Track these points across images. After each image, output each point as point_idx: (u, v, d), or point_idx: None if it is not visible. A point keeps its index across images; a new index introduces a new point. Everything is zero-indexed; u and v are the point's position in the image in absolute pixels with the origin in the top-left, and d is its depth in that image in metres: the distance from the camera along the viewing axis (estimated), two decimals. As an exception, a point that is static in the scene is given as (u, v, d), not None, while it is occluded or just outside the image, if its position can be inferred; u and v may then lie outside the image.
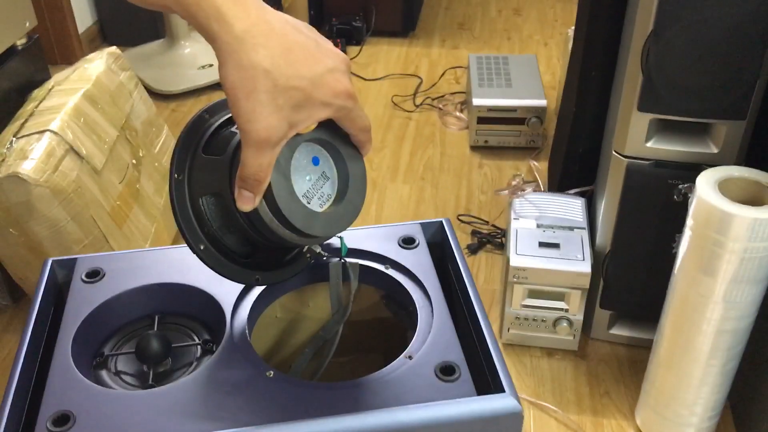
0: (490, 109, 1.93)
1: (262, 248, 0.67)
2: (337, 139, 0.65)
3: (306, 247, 0.72)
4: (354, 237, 0.79)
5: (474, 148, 2.01)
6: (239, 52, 0.54)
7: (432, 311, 0.71)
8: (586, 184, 1.48)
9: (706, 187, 1.00)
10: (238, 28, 0.54)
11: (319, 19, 2.69)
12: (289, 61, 0.55)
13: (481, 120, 1.95)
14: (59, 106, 1.38)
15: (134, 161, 1.53)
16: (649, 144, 1.18)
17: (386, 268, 0.77)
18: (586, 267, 1.29)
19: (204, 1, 0.54)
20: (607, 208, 1.28)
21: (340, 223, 0.65)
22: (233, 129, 0.64)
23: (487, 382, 0.65)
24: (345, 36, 2.60)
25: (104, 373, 0.68)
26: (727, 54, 1.05)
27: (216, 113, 0.66)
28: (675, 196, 1.15)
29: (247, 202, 0.59)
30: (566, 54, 1.82)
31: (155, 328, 0.73)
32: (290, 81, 0.55)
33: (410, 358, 0.66)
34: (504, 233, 1.67)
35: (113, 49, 1.60)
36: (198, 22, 0.55)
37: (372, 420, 0.59)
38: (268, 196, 0.60)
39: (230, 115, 0.65)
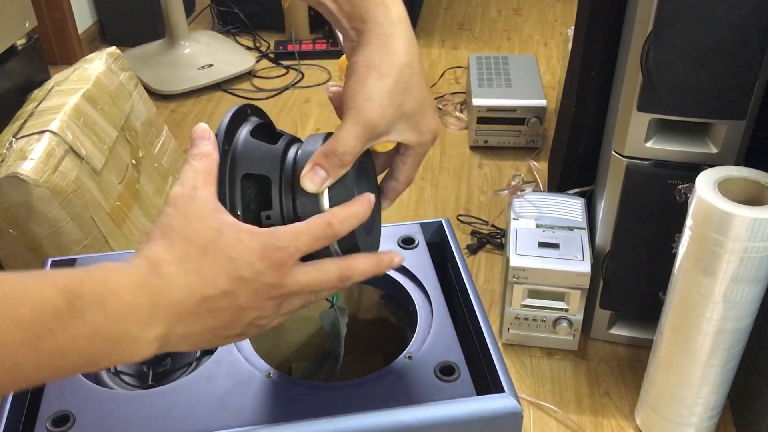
0: (490, 109, 1.93)
1: None
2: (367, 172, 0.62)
3: None
4: (354, 237, 0.79)
5: (474, 148, 2.01)
6: (389, 35, 0.56)
7: (432, 311, 0.71)
8: (585, 184, 1.48)
9: (705, 187, 1.00)
10: (394, 13, 0.56)
11: (318, 20, 2.70)
12: (419, 69, 0.58)
13: (481, 120, 1.95)
14: (59, 107, 1.38)
15: (134, 161, 1.53)
16: (648, 144, 1.18)
17: (386, 268, 0.77)
18: (585, 267, 1.29)
19: None
20: (606, 208, 1.28)
21: (373, 245, 0.63)
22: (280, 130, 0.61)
23: (486, 382, 0.65)
24: (345, 36, 2.60)
25: (104, 373, 0.68)
26: (727, 54, 1.05)
27: (255, 115, 0.63)
28: (674, 196, 1.15)
29: (316, 181, 0.55)
30: (566, 54, 1.82)
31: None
32: (414, 87, 0.57)
33: (410, 358, 0.66)
34: (504, 233, 1.67)
35: (113, 49, 1.60)
36: (353, 6, 0.56)
37: (372, 420, 0.59)
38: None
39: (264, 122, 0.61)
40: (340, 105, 0.59)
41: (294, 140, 0.60)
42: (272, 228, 0.52)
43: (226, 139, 0.57)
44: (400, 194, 0.63)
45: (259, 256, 0.51)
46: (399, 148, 0.61)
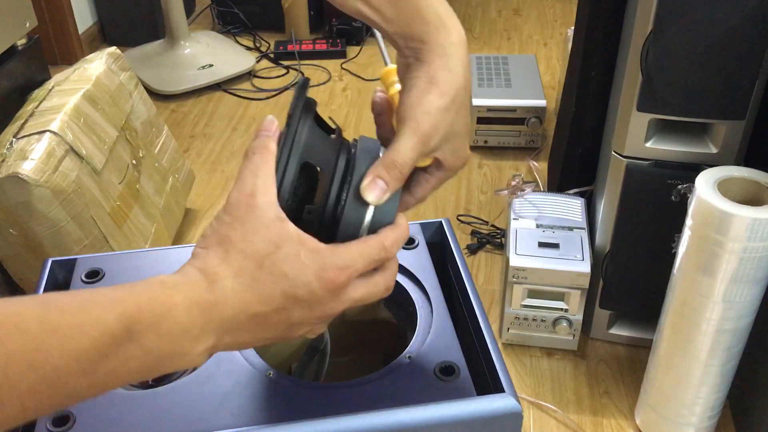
0: (490, 109, 1.93)
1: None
2: None
3: None
4: (354, 237, 0.79)
5: (473, 148, 2.01)
6: (450, 56, 0.57)
7: (432, 311, 0.71)
8: (585, 184, 1.48)
9: (705, 187, 1.00)
10: (455, 37, 0.57)
11: (318, 20, 2.70)
12: (470, 94, 0.59)
13: (481, 120, 1.95)
14: (59, 107, 1.38)
15: (134, 161, 1.53)
16: (648, 144, 1.18)
17: (386, 268, 0.77)
18: (585, 267, 1.29)
19: (427, 9, 0.56)
20: (606, 208, 1.28)
21: None
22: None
23: (486, 382, 0.65)
24: (345, 36, 2.61)
25: (104, 373, 0.68)
26: (727, 54, 1.05)
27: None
28: (674, 196, 1.15)
29: (377, 193, 0.55)
30: (566, 54, 1.82)
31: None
32: (464, 109, 0.58)
33: (410, 358, 0.66)
34: (503, 233, 1.67)
35: (113, 49, 1.60)
36: (412, 29, 0.57)
37: (372, 420, 0.59)
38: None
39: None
40: (381, 113, 0.61)
41: (342, 138, 0.60)
42: (332, 247, 0.52)
43: (295, 119, 0.55)
44: (408, 209, 0.63)
45: (317, 276, 0.51)
46: (427, 167, 0.61)
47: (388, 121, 0.62)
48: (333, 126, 0.61)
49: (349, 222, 0.55)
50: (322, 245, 0.52)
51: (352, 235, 0.55)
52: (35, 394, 0.42)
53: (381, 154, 0.57)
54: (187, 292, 0.49)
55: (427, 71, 0.56)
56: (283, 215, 0.52)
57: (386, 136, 0.62)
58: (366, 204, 0.55)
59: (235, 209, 0.51)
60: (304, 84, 0.58)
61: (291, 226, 0.51)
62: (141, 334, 0.46)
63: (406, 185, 0.61)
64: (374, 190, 0.55)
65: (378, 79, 2.40)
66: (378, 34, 0.66)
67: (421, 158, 0.57)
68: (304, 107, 0.56)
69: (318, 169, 0.56)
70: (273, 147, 0.54)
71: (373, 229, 0.56)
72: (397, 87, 0.62)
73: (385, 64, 0.67)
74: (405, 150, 0.55)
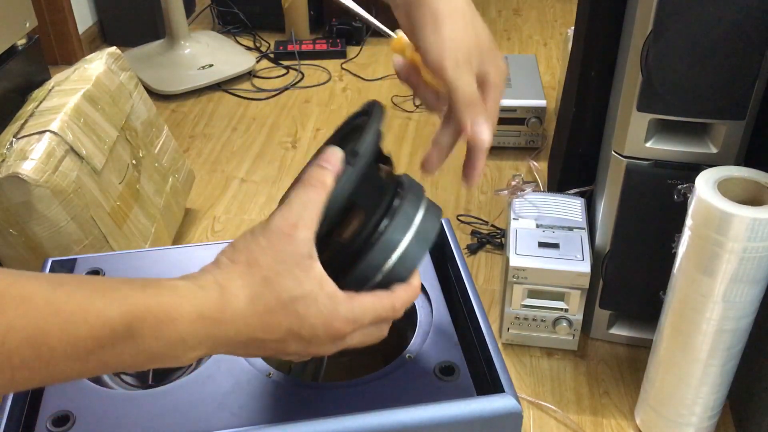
0: (490, 109, 1.93)
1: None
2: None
3: None
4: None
5: (474, 148, 2.01)
6: (455, 17, 0.59)
7: (431, 311, 0.71)
8: (585, 184, 1.48)
9: (705, 187, 1.00)
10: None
11: (318, 20, 2.70)
12: (476, 10, 0.62)
13: (481, 120, 1.95)
14: (59, 107, 1.38)
15: (134, 161, 1.53)
16: (648, 144, 1.18)
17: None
18: (585, 267, 1.29)
19: None
20: (606, 208, 1.28)
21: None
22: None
23: (486, 382, 0.65)
24: (345, 36, 2.61)
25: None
26: (727, 54, 1.05)
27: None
28: (674, 196, 1.15)
29: (489, 133, 0.60)
30: (566, 54, 1.82)
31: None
32: (479, 24, 0.61)
33: (410, 358, 0.66)
34: (503, 233, 1.67)
35: (113, 49, 1.60)
36: None
37: (372, 420, 0.59)
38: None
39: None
40: (410, 76, 0.63)
41: (392, 175, 0.60)
42: (347, 296, 0.52)
43: (361, 163, 0.55)
44: (493, 129, 0.63)
45: (325, 324, 0.52)
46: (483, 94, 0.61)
47: (420, 81, 0.63)
48: (385, 154, 0.61)
49: (371, 263, 0.55)
50: (339, 293, 0.52)
51: (368, 276, 0.55)
52: (27, 368, 0.43)
53: (425, 196, 0.58)
54: (197, 304, 0.49)
55: (428, 9, 0.58)
56: (315, 254, 0.52)
57: (426, 96, 0.64)
58: (394, 249, 0.55)
59: (273, 235, 0.51)
60: (377, 119, 0.58)
61: (318, 267, 0.52)
62: (141, 335, 0.47)
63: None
64: (481, 130, 0.60)
65: (379, 79, 2.40)
66: (365, 15, 0.68)
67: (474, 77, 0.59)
68: (371, 143, 0.56)
69: (363, 209, 0.56)
70: (330, 183, 0.53)
71: (390, 276, 0.55)
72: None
73: (388, 36, 0.67)
74: (466, 86, 0.58)
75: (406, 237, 0.56)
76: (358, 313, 0.53)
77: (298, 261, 0.51)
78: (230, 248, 0.53)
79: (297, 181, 0.59)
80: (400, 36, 0.64)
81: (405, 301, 0.56)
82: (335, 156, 0.54)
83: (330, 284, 0.52)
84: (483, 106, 0.60)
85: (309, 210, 0.52)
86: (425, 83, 0.64)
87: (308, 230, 0.52)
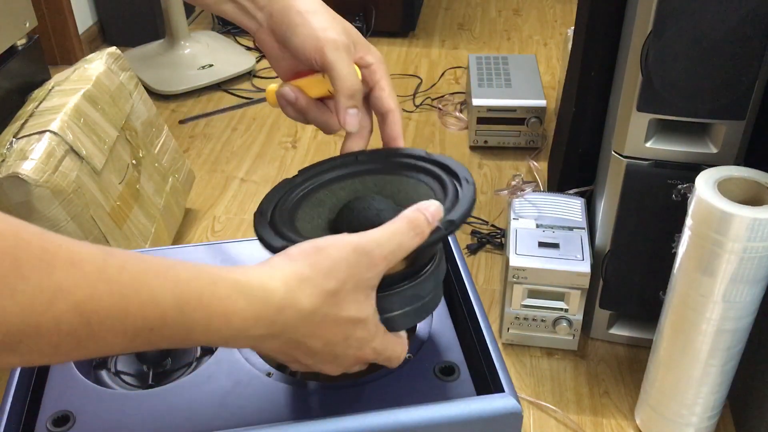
0: (490, 109, 1.93)
1: None
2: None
3: None
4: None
5: (473, 148, 2.01)
6: (320, 11, 0.65)
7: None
8: (585, 184, 1.48)
9: (705, 187, 1.00)
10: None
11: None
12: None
13: (481, 120, 1.95)
14: (59, 107, 1.38)
15: (134, 161, 1.53)
16: (648, 144, 1.18)
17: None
18: (585, 267, 1.29)
19: None
20: (606, 208, 1.28)
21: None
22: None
23: (486, 382, 0.65)
24: (345, 36, 2.60)
25: (104, 373, 0.68)
26: (727, 54, 1.05)
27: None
28: (674, 196, 1.16)
29: (356, 120, 0.64)
30: (566, 54, 1.82)
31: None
32: (339, 18, 0.66)
33: (410, 358, 0.66)
34: (503, 233, 1.68)
35: (113, 49, 1.60)
36: None
37: (371, 420, 0.59)
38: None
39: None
40: (296, 105, 0.66)
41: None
42: (386, 335, 0.56)
43: (452, 224, 0.56)
44: (401, 122, 0.67)
45: (360, 347, 0.54)
46: (369, 83, 0.66)
47: (309, 104, 0.67)
48: None
49: (388, 304, 0.57)
50: (381, 326, 0.55)
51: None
52: (73, 338, 0.41)
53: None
54: (256, 304, 0.48)
55: (291, 11, 0.63)
56: (373, 294, 0.54)
57: (318, 115, 0.67)
58: (421, 299, 0.58)
59: (364, 258, 0.51)
60: (473, 193, 0.60)
61: (374, 298, 0.54)
62: (192, 323, 0.46)
63: (376, 94, 0.66)
64: (352, 122, 0.63)
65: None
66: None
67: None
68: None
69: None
70: (426, 237, 0.54)
71: (388, 322, 0.57)
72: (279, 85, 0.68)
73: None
74: (347, 74, 0.62)
75: (427, 297, 0.59)
76: (385, 347, 0.56)
77: (367, 288, 0.52)
78: (311, 249, 0.51)
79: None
80: (268, 89, 0.69)
81: (404, 352, 0.59)
82: (439, 214, 0.55)
83: (377, 315, 0.54)
84: (360, 99, 0.64)
85: (400, 252, 0.53)
86: (313, 102, 0.67)
87: (388, 267, 0.53)
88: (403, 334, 0.59)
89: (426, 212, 0.54)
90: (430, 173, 0.62)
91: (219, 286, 0.47)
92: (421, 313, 0.59)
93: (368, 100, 0.68)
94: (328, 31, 0.62)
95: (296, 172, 0.66)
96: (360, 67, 0.65)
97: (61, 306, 0.40)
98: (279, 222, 0.59)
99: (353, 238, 0.52)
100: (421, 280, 0.58)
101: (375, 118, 0.69)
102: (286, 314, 0.49)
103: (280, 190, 0.64)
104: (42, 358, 0.41)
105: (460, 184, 0.59)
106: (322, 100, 0.67)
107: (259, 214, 0.60)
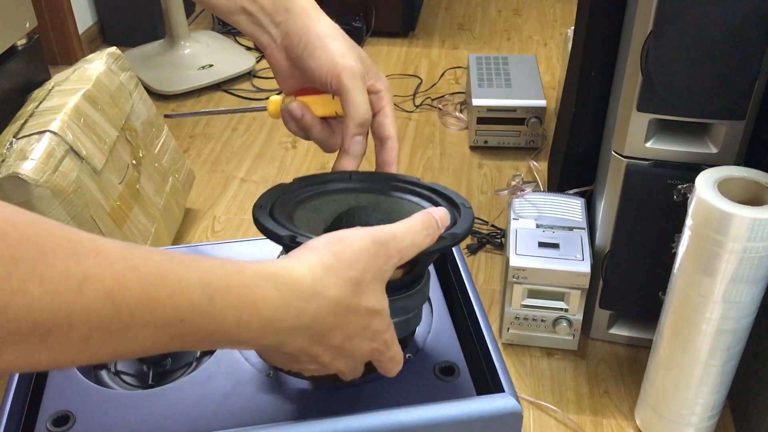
0: (490, 109, 1.93)
1: None
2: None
3: None
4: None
5: (474, 148, 2.01)
6: (311, 9, 0.66)
7: (432, 311, 0.71)
8: (585, 184, 1.48)
9: (705, 187, 1.00)
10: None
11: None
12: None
13: (481, 120, 1.95)
14: (59, 107, 1.38)
15: (134, 161, 1.53)
16: (648, 144, 1.18)
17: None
18: (585, 267, 1.29)
19: None
20: (606, 208, 1.28)
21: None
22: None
23: (486, 382, 0.65)
24: (345, 36, 2.60)
25: (104, 373, 0.68)
26: (727, 54, 1.05)
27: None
28: (674, 196, 1.16)
29: (362, 147, 0.66)
30: (566, 54, 1.82)
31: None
32: (352, 42, 0.67)
33: (410, 358, 0.66)
34: (503, 233, 1.68)
35: (113, 49, 1.60)
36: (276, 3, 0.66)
37: (371, 420, 0.59)
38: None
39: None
40: (300, 122, 0.67)
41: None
42: (394, 329, 0.56)
43: (456, 238, 0.58)
44: (398, 150, 0.69)
45: (373, 338, 0.54)
46: (374, 108, 0.67)
47: (314, 121, 0.68)
48: None
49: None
50: (391, 321, 0.55)
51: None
52: (104, 329, 0.40)
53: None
54: (284, 291, 0.47)
55: (309, 33, 0.64)
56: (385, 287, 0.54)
57: (321, 135, 0.69)
58: (408, 312, 0.59)
59: (382, 250, 0.52)
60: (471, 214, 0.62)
61: (386, 296, 0.54)
62: (222, 314, 0.45)
63: (379, 124, 0.68)
64: (356, 147, 0.65)
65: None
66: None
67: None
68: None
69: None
70: (436, 237, 0.56)
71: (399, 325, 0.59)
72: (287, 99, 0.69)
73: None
74: (360, 102, 0.63)
75: (412, 312, 0.60)
76: (392, 343, 0.56)
77: (384, 280, 0.53)
78: (333, 240, 0.52)
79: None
80: (270, 100, 0.69)
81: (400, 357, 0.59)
82: (447, 221, 0.57)
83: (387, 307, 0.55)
84: (367, 123, 0.65)
85: (413, 249, 0.54)
86: (318, 120, 0.68)
87: (401, 262, 0.54)
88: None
89: (436, 215, 0.56)
90: (425, 197, 0.64)
91: (245, 275, 0.46)
92: (404, 327, 0.60)
93: (370, 125, 0.69)
94: (346, 57, 0.64)
95: (292, 180, 0.67)
96: (369, 93, 0.67)
97: (90, 294, 0.39)
98: (279, 217, 0.59)
99: (371, 230, 0.52)
100: (412, 293, 0.59)
101: (371, 141, 0.71)
102: (314, 303, 0.49)
103: (277, 192, 0.64)
104: (72, 353, 0.40)
105: (458, 210, 0.61)
106: (325, 120, 0.69)
107: (258, 207, 0.61)
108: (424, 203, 0.63)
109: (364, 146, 0.68)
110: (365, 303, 0.51)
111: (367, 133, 0.69)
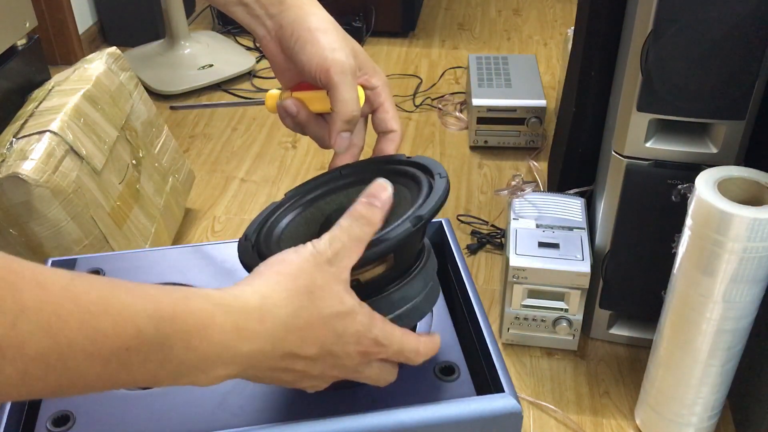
0: (490, 109, 1.93)
1: None
2: None
3: None
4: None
5: (474, 148, 2.01)
6: (305, 2, 0.64)
7: (432, 311, 0.71)
8: (585, 184, 1.48)
9: (705, 187, 1.00)
10: None
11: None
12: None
13: (481, 120, 1.95)
14: (59, 107, 1.38)
15: (134, 161, 1.53)
16: (648, 144, 1.18)
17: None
18: (585, 267, 1.29)
19: None
20: (606, 208, 1.28)
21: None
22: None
23: (486, 382, 0.65)
24: (345, 36, 2.60)
25: (104, 373, 0.68)
26: (727, 54, 1.05)
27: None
28: (674, 196, 1.15)
29: (347, 142, 0.65)
30: (566, 54, 1.82)
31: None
32: (347, 35, 0.65)
33: (410, 358, 0.66)
34: (503, 233, 1.68)
35: (113, 49, 1.60)
36: None
37: (371, 420, 0.59)
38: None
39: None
40: (296, 117, 0.66)
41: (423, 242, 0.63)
42: (383, 319, 0.54)
43: (421, 220, 0.56)
44: (399, 143, 0.69)
45: (358, 340, 0.52)
46: (372, 104, 0.67)
47: (309, 117, 0.67)
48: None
49: (382, 305, 0.57)
50: (376, 314, 0.54)
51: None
52: (42, 362, 0.39)
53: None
54: (235, 315, 0.47)
55: (301, 26, 0.63)
56: (349, 288, 0.53)
57: (317, 131, 0.68)
58: (401, 306, 0.58)
59: (319, 256, 0.52)
60: (445, 191, 0.59)
61: (353, 299, 0.53)
62: (169, 341, 0.44)
63: (379, 116, 0.68)
64: (342, 143, 0.64)
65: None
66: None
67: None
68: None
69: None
70: (378, 222, 0.54)
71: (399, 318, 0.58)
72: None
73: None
74: (348, 98, 0.62)
75: (417, 298, 0.59)
76: (388, 338, 0.54)
77: (339, 281, 0.52)
78: (275, 261, 0.52)
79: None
80: (267, 95, 0.69)
81: (428, 350, 0.58)
82: (386, 193, 0.55)
83: (366, 305, 0.53)
84: (356, 124, 0.64)
85: (354, 243, 0.52)
86: (314, 117, 0.67)
87: (350, 261, 0.52)
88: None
89: (368, 198, 0.54)
90: (407, 175, 0.63)
91: (192, 300, 0.46)
92: (414, 314, 0.59)
93: (370, 120, 0.69)
94: (336, 52, 0.62)
95: (284, 195, 0.67)
96: (365, 88, 0.66)
97: (25, 325, 0.38)
98: (264, 246, 0.60)
99: (309, 243, 0.52)
100: (407, 281, 0.58)
101: (365, 138, 0.70)
102: (268, 323, 0.48)
103: (265, 213, 0.65)
104: (8, 388, 0.39)
105: (434, 180, 0.60)
106: (321, 115, 0.68)
107: (244, 240, 0.61)
108: (408, 182, 0.62)
109: (359, 140, 0.68)
110: (327, 310, 0.51)
111: (365, 130, 0.69)
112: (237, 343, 0.47)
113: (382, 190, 0.55)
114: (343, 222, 0.53)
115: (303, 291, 0.50)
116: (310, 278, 0.50)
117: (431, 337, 0.58)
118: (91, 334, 0.40)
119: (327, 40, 0.63)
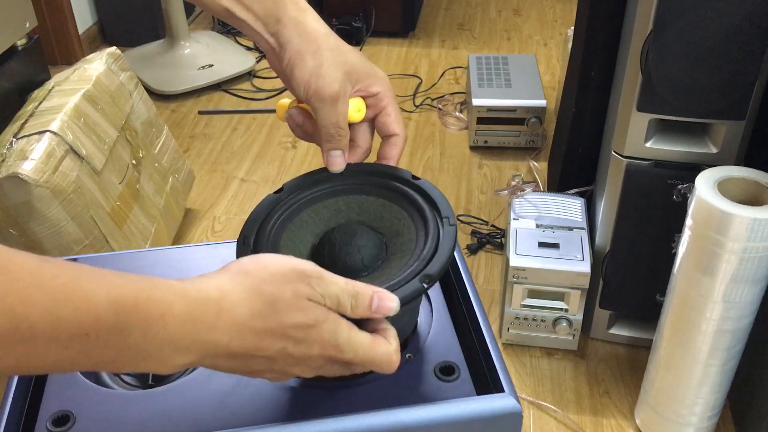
0: (490, 109, 1.93)
1: None
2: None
3: None
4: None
5: (474, 148, 2.01)
6: (301, 21, 0.65)
7: (432, 311, 0.71)
8: (585, 184, 1.48)
9: (705, 187, 1.00)
10: (302, 4, 0.66)
11: (318, 20, 2.69)
12: (339, 38, 0.67)
13: (481, 120, 1.95)
14: (59, 107, 1.38)
15: (134, 162, 1.53)
16: (648, 144, 1.18)
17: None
18: (585, 267, 1.29)
19: None
20: (606, 208, 1.28)
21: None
22: None
23: (486, 382, 0.65)
24: (345, 36, 2.60)
25: (104, 373, 0.68)
26: (727, 54, 1.05)
27: None
28: (674, 196, 1.15)
29: (340, 161, 0.66)
30: (566, 54, 1.82)
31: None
32: (343, 47, 0.66)
33: (410, 358, 0.66)
34: (503, 233, 1.68)
35: (113, 49, 1.60)
36: (266, 9, 0.65)
37: (371, 420, 0.59)
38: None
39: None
40: (302, 127, 0.69)
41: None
42: (352, 331, 0.54)
43: (431, 279, 0.57)
44: (402, 146, 0.69)
45: (321, 348, 0.52)
46: (375, 109, 0.68)
47: (315, 127, 0.68)
48: None
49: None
50: (344, 323, 0.53)
51: None
52: (4, 343, 0.41)
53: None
54: (193, 305, 0.48)
55: (292, 48, 0.64)
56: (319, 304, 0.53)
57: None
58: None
59: (305, 279, 0.52)
60: (452, 245, 0.60)
61: (320, 307, 0.52)
62: (128, 328, 0.45)
63: (384, 132, 0.69)
64: (339, 161, 0.66)
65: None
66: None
67: (346, 106, 0.65)
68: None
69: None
70: (360, 315, 0.54)
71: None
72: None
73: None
74: (327, 124, 0.64)
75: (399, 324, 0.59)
76: (354, 347, 0.54)
77: (308, 299, 0.51)
78: (252, 260, 0.52)
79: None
80: (278, 104, 0.71)
81: (396, 361, 0.56)
82: (390, 310, 0.55)
83: (334, 313, 0.53)
84: (338, 139, 0.66)
85: (331, 300, 0.53)
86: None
87: (322, 301, 0.52)
88: (394, 342, 0.57)
89: (377, 302, 0.54)
90: (413, 203, 0.63)
91: (155, 290, 0.47)
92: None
93: (374, 124, 0.70)
94: (320, 78, 0.63)
95: (282, 186, 0.68)
96: (365, 97, 0.67)
97: None
98: (262, 249, 0.60)
99: (296, 260, 0.52)
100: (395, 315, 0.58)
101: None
102: (225, 319, 0.49)
103: (263, 211, 0.65)
104: None
105: (442, 224, 0.61)
106: None
107: (241, 242, 0.61)
108: (413, 212, 0.63)
109: (364, 141, 0.69)
110: (290, 320, 0.51)
111: (372, 133, 0.70)
112: (193, 333, 0.48)
113: (390, 303, 0.55)
114: (349, 288, 0.53)
115: (267, 300, 0.50)
116: (279, 288, 0.50)
117: (394, 351, 0.57)
118: (52, 320, 0.42)
119: (314, 63, 0.64)
